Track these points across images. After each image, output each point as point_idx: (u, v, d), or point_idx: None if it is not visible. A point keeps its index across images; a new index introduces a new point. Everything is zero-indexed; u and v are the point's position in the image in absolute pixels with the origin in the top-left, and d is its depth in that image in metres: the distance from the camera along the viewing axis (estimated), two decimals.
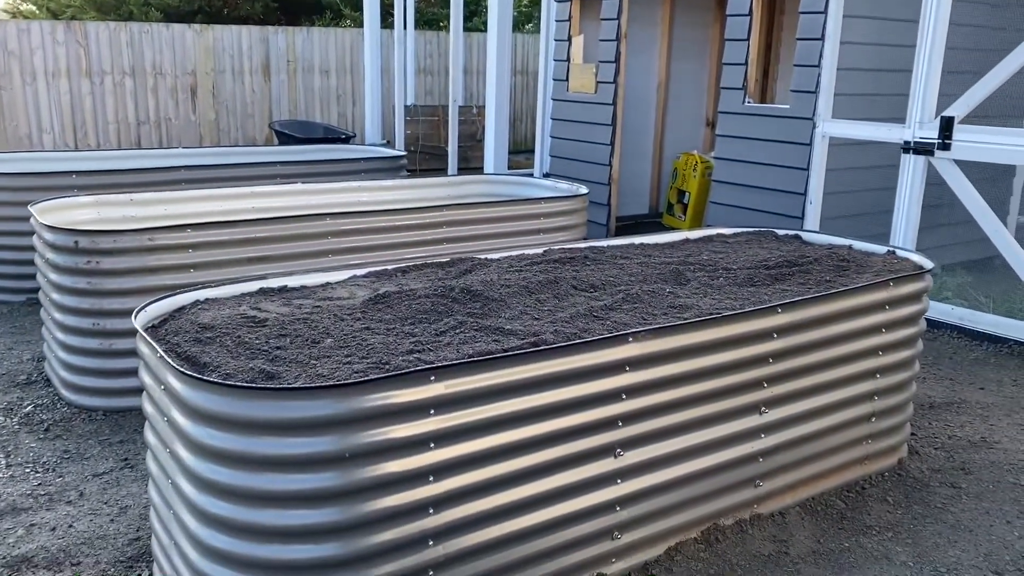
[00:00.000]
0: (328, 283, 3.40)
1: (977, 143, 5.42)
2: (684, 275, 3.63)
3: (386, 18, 12.24)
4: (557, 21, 8.57)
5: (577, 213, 5.71)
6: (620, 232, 8.59)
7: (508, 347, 2.63)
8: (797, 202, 6.50)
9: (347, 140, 11.37)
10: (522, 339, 2.72)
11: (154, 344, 2.58)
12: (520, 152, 14.44)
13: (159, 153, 7.22)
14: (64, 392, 4.38)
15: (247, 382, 2.37)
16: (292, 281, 3.35)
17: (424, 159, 12.41)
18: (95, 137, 11.35)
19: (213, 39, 12.02)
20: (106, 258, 4.13)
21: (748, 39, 6.71)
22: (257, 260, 4.49)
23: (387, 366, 2.46)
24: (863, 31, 6.23)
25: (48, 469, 3.68)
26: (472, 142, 12.86)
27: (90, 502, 3.42)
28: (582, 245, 4.11)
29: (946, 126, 5.53)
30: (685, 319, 2.99)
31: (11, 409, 4.28)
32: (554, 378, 2.64)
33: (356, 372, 2.41)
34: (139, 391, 4.25)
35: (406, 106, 12.07)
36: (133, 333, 4.17)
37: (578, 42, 8.35)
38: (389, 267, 3.59)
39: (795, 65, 6.37)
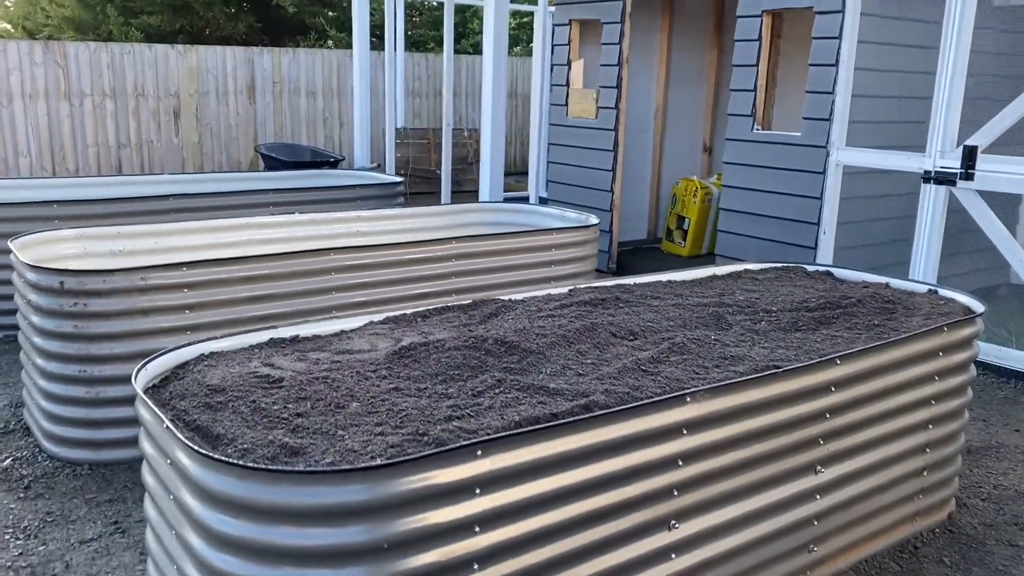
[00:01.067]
0: (343, 331, 3.11)
1: (1002, 173, 5.24)
2: (724, 319, 3.38)
3: (373, 40, 11.99)
4: (555, 45, 8.37)
5: (589, 244, 5.46)
6: (621, 258, 8.36)
7: (557, 411, 2.35)
8: (809, 231, 6.29)
9: (336, 163, 11.09)
10: (570, 400, 2.45)
11: (158, 412, 2.28)
12: (511, 174, 14.22)
13: (145, 180, 6.89)
14: (46, 444, 4.04)
15: (268, 459, 2.08)
16: (304, 330, 3.06)
17: (414, 182, 12.14)
18: (74, 161, 10.97)
19: (197, 60, 11.71)
20: (94, 300, 3.81)
21: (757, 65, 6.53)
22: (258, 299, 4.19)
23: (425, 438, 2.18)
24: (878, 57, 6.07)
25: (30, 535, 3.34)
26: (463, 165, 12.63)
27: (77, 575, 3.09)
28: (609, 284, 3.85)
29: (969, 155, 5.35)
30: (742, 374, 2.74)
31: None
32: (608, 446, 2.37)
33: (392, 447, 2.13)
34: (129, 442, 3.95)
35: (396, 129, 11.80)
36: (122, 380, 3.90)
37: (577, 67, 8.14)
38: (407, 312, 3.32)
39: (807, 92, 6.18)
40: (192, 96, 11.74)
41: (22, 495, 3.65)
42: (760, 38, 6.48)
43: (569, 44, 8.17)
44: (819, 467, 2.99)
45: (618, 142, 7.75)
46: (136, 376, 2.51)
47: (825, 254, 6.20)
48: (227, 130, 12.08)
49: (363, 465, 2.00)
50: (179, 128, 11.71)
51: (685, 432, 2.54)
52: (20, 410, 4.50)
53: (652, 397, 2.51)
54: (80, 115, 10.94)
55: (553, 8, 8.37)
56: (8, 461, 3.95)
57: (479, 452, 2.12)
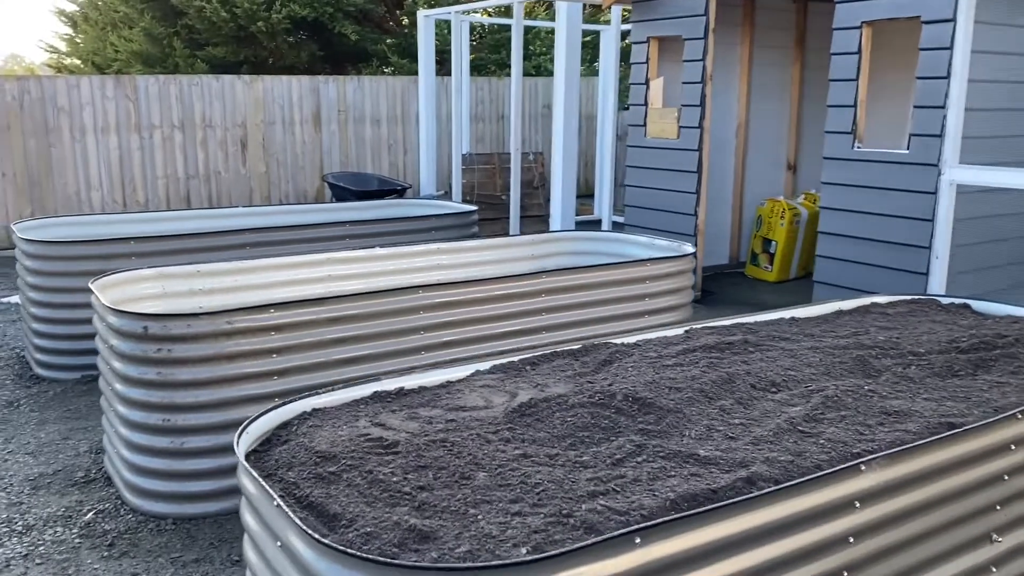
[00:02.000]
0: (450, 382, 2.84)
1: None
2: (870, 363, 3.02)
3: (436, 65, 11.85)
4: (633, 63, 8.07)
5: (684, 275, 5.13)
6: (704, 284, 7.98)
7: (716, 487, 2.03)
8: (919, 256, 5.85)
9: (403, 191, 10.95)
10: (727, 471, 2.12)
11: (267, 487, 2.02)
12: (576, 197, 13.92)
13: (219, 213, 6.78)
14: (128, 496, 3.84)
15: (395, 545, 1.80)
16: (408, 382, 2.80)
17: (480, 208, 11.89)
18: (143, 193, 11.02)
19: (263, 90, 11.71)
20: (179, 345, 3.61)
21: (857, 79, 6.14)
22: (344, 341, 3.95)
23: (571, 520, 1.88)
24: (992, 68, 5.64)
25: None
26: (529, 189, 12.35)
27: None
28: (729, 323, 3.52)
29: None
30: (915, 434, 2.38)
31: (70, 517, 3.75)
32: (773, 528, 2.03)
33: (534, 532, 1.83)
34: (214, 495, 3.73)
35: (462, 155, 11.62)
36: (207, 429, 3.68)
37: (657, 85, 7.83)
38: (515, 359, 3.03)
39: (915, 107, 5.77)
40: (259, 126, 11.74)
41: (106, 553, 3.45)
42: (860, 51, 6.09)
43: (647, 62, 7.87)
44: (995, 535, 2.61)
45: (702, 163, 7.40)
46: (238, 440, 2.26)
47: (938, 280, 5.74)
48: (293, 159, 12.04)
49: (511, 561, 1.71)
50: (246, 158, 11.71)
51: (858, 505, 2.19)
52: (100, 457, 4.33)
53: (820, 466, 2.18)
54: (150, 147, 11.00)
55: (631, 25, 8.09)
56: (90, 515, 3.76)
57: (637, 539, 1.81)
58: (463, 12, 11.20)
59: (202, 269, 4.63)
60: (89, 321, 4.56)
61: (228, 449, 3.73)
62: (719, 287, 8.09)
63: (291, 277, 4.86)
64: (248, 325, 3.69)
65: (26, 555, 3.44)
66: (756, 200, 8.79)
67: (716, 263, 8.84)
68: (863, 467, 2.17)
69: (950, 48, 5.49)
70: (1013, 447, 2.56)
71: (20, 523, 3.70)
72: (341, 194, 10.79)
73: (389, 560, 1.73)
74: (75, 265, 5.34)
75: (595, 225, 10.79)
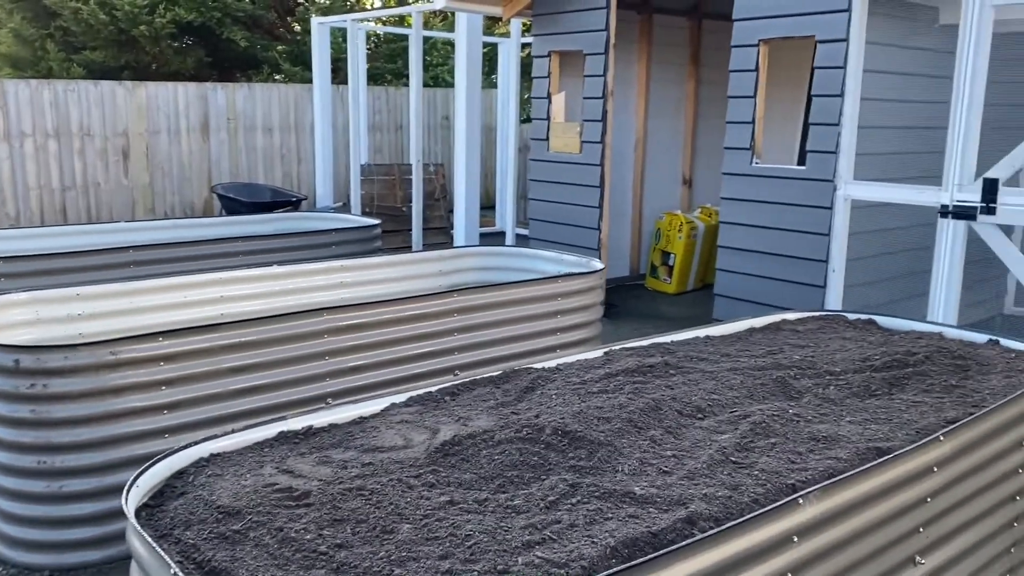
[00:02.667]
0: (363, 418, 2.64)
1: None
2: (790, 384, 2.99)
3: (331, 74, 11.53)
4: (534, 78, 8.02)
5: (595, 291, 5.07)
6: (607, 296, 7.96)
7: (656, 529, 1.93)
8: (817, 269, 5.99)
9: (297, 203, 10.58)
10: (665, 511, 2.02)
11: (161, 552, 1.79)
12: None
13: (99, 228, 6.30)
14: (1, 548, 3.46)
15: None
16: (317, 420, 2.58)
17: (380, 221, 11.64)
18: (14, 205, 10.26)
19: (147, 97, 11.11)
20: (56, 379, 3.27)
21: (755, 96, 6.25)
22: (242, 370, 3.69)
23: None
24: (885, 87, 5.83)
25: None
26: (430, 201, 12.17)
27: None
28: (646, 343, 3.45)
29: (990, 189, 5.10)
30: (845, 461, 2.35)
31: None
32: (716, 570, 1.94)
33: None
34: (97, 543, 3.41)
35: (360, 165, 11.33)
36: (88, 471, 3.36)
37: (559, 100, 7.80)
38: (433, 390, 2.86)
39: (811, 124, 5.91)
40: (142, 135, 11.13)
41: None
42: (757, 68, 6.21)
43: (549, 76, 7.83)
44: (919, 557, 2.61)
45: (604, 177, 7.40)
46: (127, 497, 2.01)
47: (835, 292, 5.89)
48: (180, 169, 11.47)
49: None
50: (128, 169, 11.07)
51: (796, 540, 2.12)
52: None
53: (758, 500, 2.10)
54: (20, 156, 10.25)
55: (531, 39, 8.04)
56: None
57: None
58: (359, 20, 10.93)
59: (81, 292, 4.25)
60: None
61: (112, 491, 3.41)
62: (621, 300, 8.12)
63: (181, 299, 4.53)
64: (134, 355, 3.38)
65: None
66: (654, 214, 8.88)
67: (617, 275, 8.88)
68: (801, 500, 2.11)
69: (843, 67, 5.65)
70: (935, 469, 2.57)
71: None
72: (232, 206, 10.33)
73: None
74: None
75: (498, 238, 10.70)
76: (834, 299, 5.86)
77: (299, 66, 14.83)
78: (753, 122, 6.31)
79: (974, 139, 5.18)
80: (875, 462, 2.29)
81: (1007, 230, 5.87)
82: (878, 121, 5.88)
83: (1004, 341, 3.54)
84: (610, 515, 2.00)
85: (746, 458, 2.34)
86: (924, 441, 2.47)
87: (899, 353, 3.34)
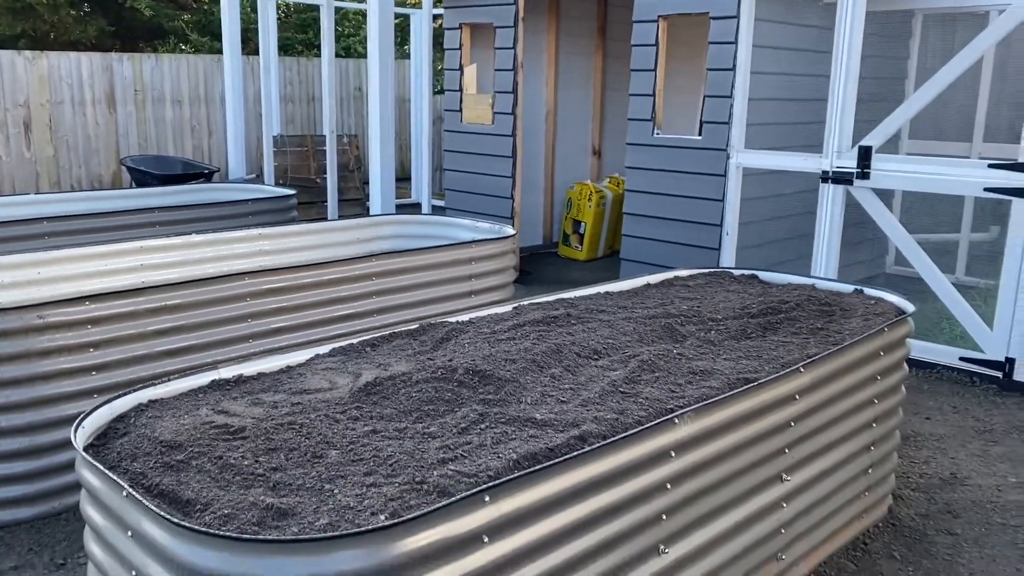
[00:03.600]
0: (290, 367, 2.87)
1: (896, 172, 5.51)
2: (677, 330, 3.35)
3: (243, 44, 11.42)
4: (447, 49, 8.21)
5: (507, 255, 5.35)
6: (522, 264, 8.30)
7: (552, 445, 2.23)
8: (713, 233, 6.43)
9: (210, 175, 10.51)
10: (561, 431, 2.33)
11: (114, 477, 2.00)
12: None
13: (7, 201, 6.25)
14: None
15: (255, 524, 1.86)
16: (247, 369, 2.80)
17: (295, 192, 11.65)
18: None
19: (48, 67, 10.80)
20: None
21: (655, 69, 6.61)
22: (168, 332, 3.84)
23: (424, 486, 2.01)
24: (773, 61, 6.26)
25: None
26: (345, 172, 12.22)
27: None
28: (552, 299, 3.76)
29: (864, 155, 5.60)
30: (718, 389, 2.70)
31: None
32: (604, 478, 2.26)
33: (391, 499, 1.94)
34: (29, 500, 3.54)
35: (273, 137, 11.30)
36: (19, 431, 3.49)
37: (471, 72, 8.02)
38: (354, 342, 3.10)
39: (706, 96, 6.31)
40: (44, 106, 10.83)
41: None
42: (657, 43, 6.57)
43: (461, 48, 8.04)
44: (785, 475, 3.00)
45: (516, 148, 7.68)
46: (75, 434, 2.20)
47: (728, 254, 6.34)
48: (86, 142, 11.22)
49: (370, 527, 1.81)
50: (31, 141, 10.77)
51: (673, 455, 2.47)
52: None
53: (640, 421, 2.43)
54: None
55: (443, 11, 8.21)
56: None
57: (487, 499, 1.97)
58: None
59: (1, 262, 4.31)
60: None
61: (44, 450, 3.56)
62: (535, 267, 8.44)
63: (101, 268, 4.62)
64: (61, 319, 3.51)
65: None
66: (566, 184, 9.22)
67: (532, 244, 9.21)
68: (677, 420, 2.45)
69: (735, 43, 6.05)
70: (797, 397, 2.95)
71: None
72: (142, 179, 10.20)
73: (251, 536, 1.78)
74: None
75: (414, 208, 10.87)
76: (728, 260, 6.31)
77: (207, 36, 14.57)
78: (654, 95, 6.68)
79: (851, 110, 5.65)
80: (742, 388, 2.66)
81: (890, 195, 6.41)
82: (768, 94, 6.32)
83: (867, 291, 3.97)
84: (514, 437, 2.29)
85: (632, 389, 2.67)
86: (786, 371, 2.85)
87: (774, 302, 3.74)
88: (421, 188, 10.86)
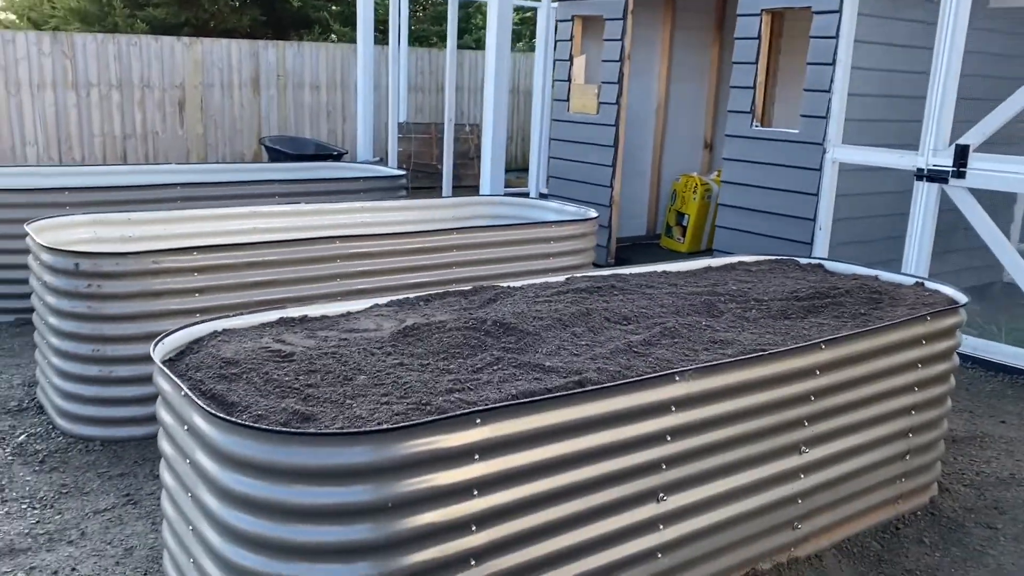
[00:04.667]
0: (350, 312, 3.24)
1: (993, 171, 5.37)
2: (716, 306, 3.50)
3: (377, 34, 12.09)
4: (558, 41, 8.49)
5: (587, 237, 5.59)
6: (620, 253, 8.49)
7: (551, 386, 2.49)
8: (806, 228, 6.42)
9: (339, 157, 11.21)
10: (564, 377, 2.58)
11: (177, 381, 2.41)
12: (512, 171, 14.35)
13: (152, 169, 7.02)
14: (59, 421, 4.17)
15: (281, 424, 2.21)
16: (312, 311, 3.19)
17: (416, 177, 12.26)
18: (80, 151, 11.10)
19: (202, 52, 11.83)
20: (108, 281, 3.94)
21: (756, 62, 6.65)
22: (264, 284, 4.32)
23: (428, 407, 2.31)
24: (874, 57, 6.19)
25: (46, 505, 3.47)
26: (464, 160, 12.75)
27: (93, 542, 3.23)
28: (606, 273, 3.98)
29: (961, 154, 5.48)
30: (730, 356, 2.87)
31: (3, 439, 4.07)
32: (599, 420, 2.50)
33: (397, 414, 2.26)
34: (139, 420, 4.10)
35: (399, 123, 11.93)
36: (134, 359, 4.04)
37: (580, 62, 8.26)
38: (411, 296, 3.45)
39: (805, 90, 6.30)
40: (197, 88, 11.87)
41: (37, 468, 3.79)
42: (759, 36, 6.60)
43: (571, 40, 8.29)
44: (803, 447, 3.12)
45: (618, 138, 7.87)
46: (154, 349, 2.64)
47: (821, 249, 6.32)
48: (231, 122, 12.21)
49: (370, 429, 2.13)
50: (184, 120, 11.84)
51: (674, 409, 2.67)
52: (33, 389, 4.63)
53: (642, 375, 2.64)
54: (87, 106, 11.07)
55: (556, 4, 8.49)
56: (23, 437, 4.08)
57: (478, 420, 2.25)
58: None
59: (133, 217, 4.93)
60: (22, 267, 4.85)
61: (152, 378, 4.09)
62: (633, 256, 8.59)
63: (218, 228, 5.18)
64: (172, 265, 4.03)
65: None
66: (673, 176, 9.31)
67: (634, 234, 9.35)
68: (677, 377, 2.65)
69: (836, 37, 6.02)
70: (818, 372, 3.07)
71: None
72: (277, 157, 11.02)
73: (271, 428, 2.14)
74: (9, 213, 5.58)
75: (524, 196, 11.20)
76: (820, 255, 6.29)
77: (348, 27, 15.40)
78: (754, 87, 6.72)
79: (950, 107, 5.55)
80: (749, 355, 2.81)
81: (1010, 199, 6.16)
82: (867, 89, 6.25)
83: (928, 283, 3.98)
84: (520, 378, 2.56)
85: (647, 350, 2.88)
86: (803, 345, 2.98)
87: (826, 287, 3.82)
88: (536, 177, 11.18)
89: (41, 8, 16.06)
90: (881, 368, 3.31)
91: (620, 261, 8.26)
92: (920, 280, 4.02)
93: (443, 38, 16.61)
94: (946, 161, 5.55)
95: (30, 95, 10.65)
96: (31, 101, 10.67)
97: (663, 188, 9.48)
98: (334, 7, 16.35)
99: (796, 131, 6.43)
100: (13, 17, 17.79)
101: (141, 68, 11.40)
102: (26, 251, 4.47)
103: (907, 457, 3.57)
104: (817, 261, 4.43)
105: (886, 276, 4.15)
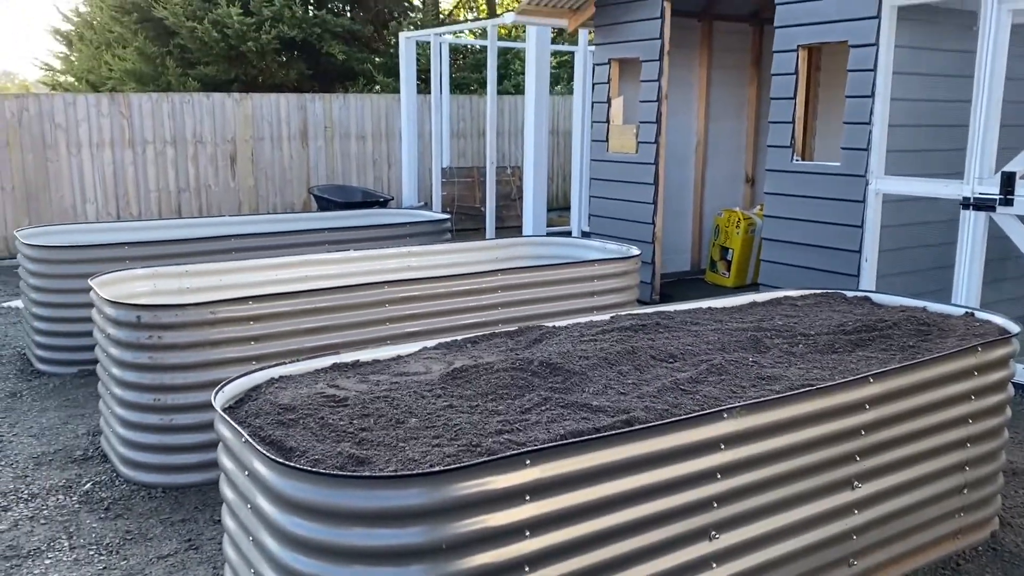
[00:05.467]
0: (400, 356, 3.33)
1: None
2: (763, 342, 3.52)
3: (419, 83, 12.40)
4: (596, 84, 8.62)
5: (630, 275, 5.63)
6: (664, 289, 8.50)
7: (599, 426, 2.53)
8: (851, 259, 6.38)
9: (385, 203, 11.45)
10: (612, 416, 2.62)
11: (238, 427, 2.51)
12: (553, 209, 14.48)
13: (207, 222, 7.27)
14: (123, 468, 4.31)
15: (337, 467, 2.29)
16: (364, 355, 3.28)
17: (460, 219, 12.46)
18: (136, 205, 11.51)
19: (252, 107, 12.23)
20: (168, 332, 4.09)
21: (795, 98, 6.69)
22: (317, 330, 4.44)
23: (478, 449, 2.37)
24: (914, 87, 6.19)
25: (112, 551, 3.59)
26: (507, 201, 12.92)
27: None
28: (650, 311, 4.02)
29: (1007, 181, 5.42)
30: (778, 392, 2.88)
31: (70, 487, 4.21)
32: (648, 459, 2.53)
33: (448, 456, 2.32)
34: (199, 467, 4.21)
35: (442, 168, 12.16)
36: (193, 408, 4.17)
37: (617, 103, 8.38)
38: (458, 338, 3.52)
39: (845, 123, 6.31)
40: (248, 141, 12.25)
41: (102, 515, 3.92)
42: (796, 72, 6.65)
43: (609, 82, 8.42)
44: (856, 483, 3.10)
45: (658, 175, 7.93)
46: (215, 397, 2.75)
47: (868, 281, 6.27)
48: (281, 173, 12.55)
49: (422, 471, 2.20)
50: (235, 172, 12.21)
51: (723, 447, 2.68)
52: (97, 438, 4.79)
53: (690, 414, 2.67)
54: (143, 162, 11.50)
55: (593, 48, 8.64)
56: (88, 485, 4.22)
57: (527, 461, 2.30)
58: (442, 34, 11.77)
59: (190, 269, 5.12)
60: (85, 320, 5.05)
61: (212, 425, 4.21)
62: (678, 291, 8.60)
63: (271, 277, 5.34)
64: (229, 315, 4.17)
65: (32, 517, 3.90)
66: (715, 211, 9.33)
67: (678, 269, 9.37)
68: (725, 415, 2.67)
69: (873, 70, 6.04)
70: (867, 406, 3.06)
71: (26, 492, 4.16)
72: (326, 206, 11.30)
73: (328, 472, 2.21)
74: (73, 268, 5.82)
75: (566, 235, 11.29)
76: (867, 287, 6.24)
77: (391, 77, 15.80)
78: (793, 122, 6.74)
79: (993, 135, 5.51)
80: (797, 391, 2.82)
81: None
82: (908, 120, 6.23)
83: (978, 313, 3.94)
84: (568, 418, 2.61)
85: (694, 388, 2.91)
86: (850, 379, 2.97)
87: (873, 320, 3.81)
88: (576, 215, 11.29)
89: (99, 71, 16.80)
90: (932, 401, 3.29)
91: (665, 297, 8.27)
92: (970, 310, 3.98)
93: (483, 85, 16.94)
94: (992, 189, 5.50)
95: (90, 154, 11.10)
96: (91, 160, 11.12)
97: (706, 223, 9.50)
98: (377, 59, 16.81)
99: (838, 164, 6.43)
100: (73, 80, 18.61)
101: (194, 124, 11.82)
102: (88, 305, 4.67)
103: (965, 491, 3.51)
104: (863, 294, 4.42)
105: (934, 307, 4.12)
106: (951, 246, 6.01)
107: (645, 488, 2.53)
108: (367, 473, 2.23)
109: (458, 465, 2.21)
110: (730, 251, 8.92)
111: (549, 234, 10.36)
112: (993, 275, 6.09)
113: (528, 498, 2.32)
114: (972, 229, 5.66)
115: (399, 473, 2.19)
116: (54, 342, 5.97)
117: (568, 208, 13.30)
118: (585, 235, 10.14)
